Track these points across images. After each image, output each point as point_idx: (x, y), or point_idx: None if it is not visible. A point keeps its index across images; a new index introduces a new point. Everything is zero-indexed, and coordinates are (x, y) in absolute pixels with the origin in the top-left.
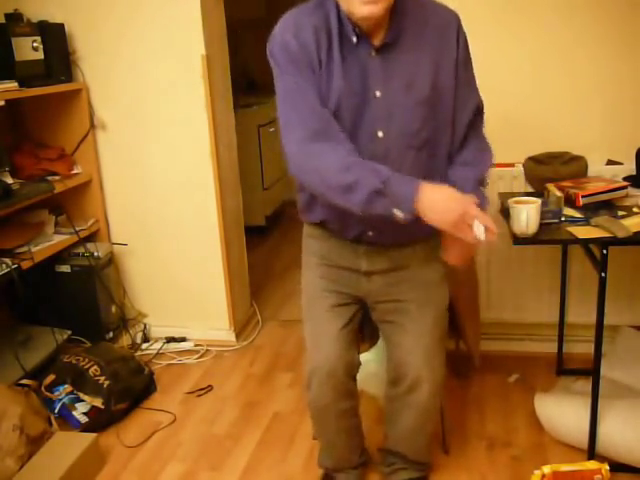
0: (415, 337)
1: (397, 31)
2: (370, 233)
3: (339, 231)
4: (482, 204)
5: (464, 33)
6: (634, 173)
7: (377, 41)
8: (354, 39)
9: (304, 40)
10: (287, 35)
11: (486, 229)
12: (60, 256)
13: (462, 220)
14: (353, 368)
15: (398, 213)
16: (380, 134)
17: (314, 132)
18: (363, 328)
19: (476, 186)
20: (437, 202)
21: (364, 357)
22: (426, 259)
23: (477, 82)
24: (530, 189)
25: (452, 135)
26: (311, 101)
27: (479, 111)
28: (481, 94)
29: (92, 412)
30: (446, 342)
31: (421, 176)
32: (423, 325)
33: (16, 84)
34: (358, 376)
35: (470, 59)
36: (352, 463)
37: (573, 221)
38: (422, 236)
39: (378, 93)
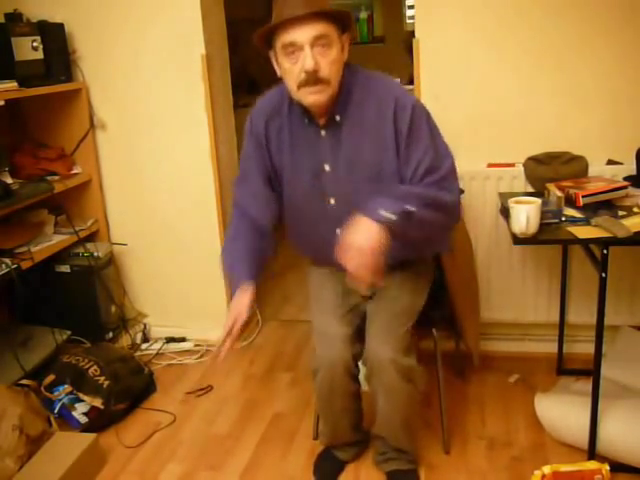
0: (381, 321)
1: (342, 111)
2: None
3: (321, 259)
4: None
5: (405, 120)
6: (634, 173)
7: (323, 121)
8: (306, 120)
9: (257, 122)
10: (252, 114)
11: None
12: (60, 256)
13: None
14: (358, 353)
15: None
16: (332, 201)
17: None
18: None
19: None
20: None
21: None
22: (407, 264)
23: (477, 83)
24: (530, 189)
25: None
26: (254, 179)
27: (429, 171)
28: (482, 94)
29: (92, 412)
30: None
31: None
32: (391, 310)
33: (16, 84)
34: (359, 377)
35: (418, 127)
36: (350, 440)
37: (573, 221)
38: (399, 262)
39: (327, 167)
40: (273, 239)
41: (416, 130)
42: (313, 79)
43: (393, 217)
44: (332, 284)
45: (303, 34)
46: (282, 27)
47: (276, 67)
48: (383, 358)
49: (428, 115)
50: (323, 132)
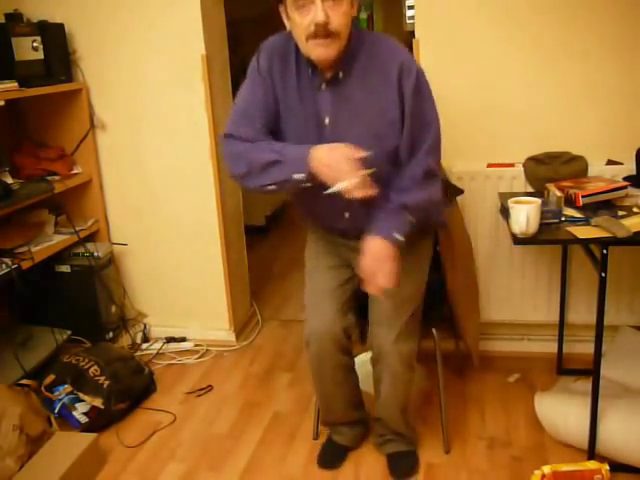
0: (385, 308)
1: (346, 69)
2: (347, 219)
3: (321, 228)
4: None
5: (409, 83)
6: (634, 173)
7: (328, 75)
8: (309, 71)
9: (263, 63)
10: (259, 54)
11: (355, 184)
12: (60, 256)
13: (338, 176)
14: (349, 327)
15: (297, 176)
16: None
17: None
18: (363, 330)
19: (398, 212)
20: (322, 158)
21: (364, 357)
22: (406, 249)
23: (477, 84)
24: (530, 189)
25: (397, 167)
26: (251, 107)
27: (429, 150)
28: (482, 94)
29: (92, 412)
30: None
31: (366, 200)
32: (394, 298)
33: (16, 84)
34: (358, 376)
35: (420, 108)
36: (348, 418)
37: (573, 221)
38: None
39: (327, 121)
40: None
41: (420, 101)
42: (323, 32)
43: (402, 238)
44: (326, 259)
45: None
46: None
47: (285, 21)
48: (387, 345)
49: (427, 83)
50: (323, 86)
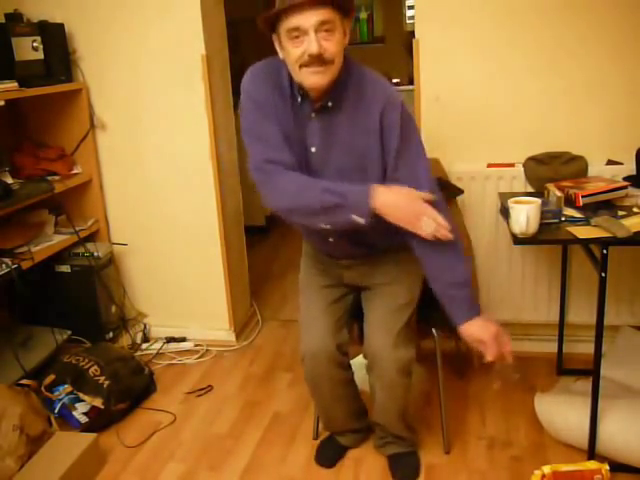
0: (380, 316)
1: (336, 98)
2: (333, 245)
3: (313, 247)
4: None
5: (395, 118)
6: (634, 173)
7: (317, 104)
8: (299, 99)
9: (261, 92)
10: (251, 86)
11: (437, 225)
12: (60, 256)
13: (413, 216)
14: (343, 344)
15: (357, 218)
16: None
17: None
18: (361, 331)
19: None
20: (389, 200)
21: (362, 359)
22: (400, 255)
23: (477, 84)
24: (530, 189)
25: None
26: (271, 132)
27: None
28: (482, 94)
29: (92, 412)
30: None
31: (347, 228)
32: (389, 306)
33: (16, 84)
34: (357, 377)
35: (408, 141)
36: (350, 427)
37: (573, 221)
38: (387, 249)
39: (313, 149)
40: None
41: (407, 133)
42: (317, 61)
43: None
44: (317, 278)
45: (308, 19)
46: (287, 13)
47: (279, 50)
48: (381, 353)
49: (412, 118)
50: (313, 115)
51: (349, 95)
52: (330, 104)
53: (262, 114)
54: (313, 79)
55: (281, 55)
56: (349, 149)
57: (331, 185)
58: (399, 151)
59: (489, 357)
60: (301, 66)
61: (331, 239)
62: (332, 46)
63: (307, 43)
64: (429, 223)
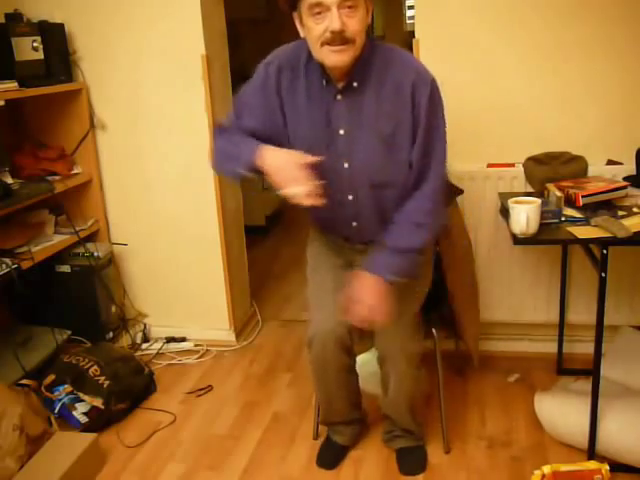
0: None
1: (360, 78)
2: (354, 223)
3: (327, 233)
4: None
5: (424, 93)
6: (634, 173)
7: (341, 85)
8: (323, 82)
9: (271, 74)
10: (266, 65)
11: (304, 192)
12: (60, 256)
13: (289, 180)
14: (352, 326)
15: (243, 173)
16: (346, 165)
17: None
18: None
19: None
20: (273, 161)
21: (364, 357)
22: None
23: (477, 84)
24: (530, 189)
25: (405, 180)
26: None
27: (433, 178)
28: (481, 94)
29: (92, 412)
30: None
31: (375, 210)
32: (399, 296)
33: (16, 84)
34: (360, 375)
35: (434, 119)
36: (347, 417)
37: (573, 221)
38: None
39: (342, 131)
40: None
41: (434, 111)
42: (339, 38)
43: (398, 278)
44: (329, 258)
45: None
46: None
47: (299, 28)
48: (393, 347)
49: (441, 100)
50: (339, 96)
51: (375, 73)
52: (355, 84)
53: (260, 98)
54: (334, 58)
55: (302, 34)
56: (378, 128)
57: (238, 139)
58: (422, 130)
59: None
60: (322, 44)
61: (355, 223)
62: (354, 23)
63: (329, 20)
64: (299, 190)
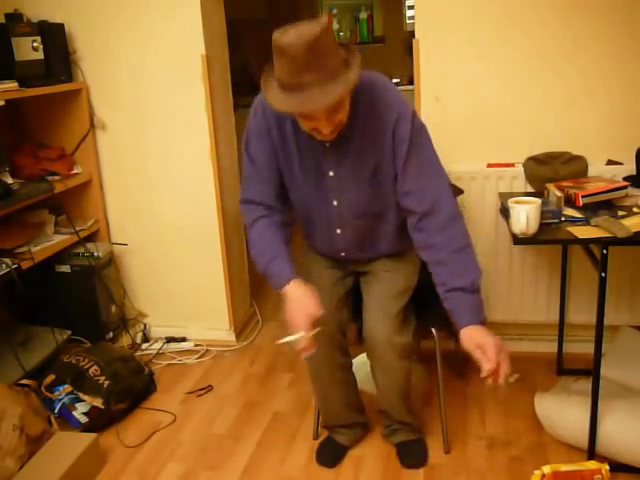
0: (379, 302)
1: (349, 129)
2: (343, 254)
3: (320, 250)
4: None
5: (406, 127)
6: (634, 173)
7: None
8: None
9: (266, 119)
10: (259, 107)
11: (301, 342)
12: (60, 256)
13: (292, 322)
14: (342, 322)
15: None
16: (335, 203)
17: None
18: (360, 332)
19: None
20: (290, 298)
21: (363, 357)
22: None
23: (477, 84)
24: (530, 189)
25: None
26: (261, 176)
27: (438, 198)
28: (481, 94)
29: (92, 412)
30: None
31: (367, 239)
32: (388, 292)
33: (16, 84)
34: (358, 377)
35: (415, 149)
36: (348, 420)
37: (573, 221)
38: (391, 252)
39: (331, 173)
40: (291, 220)
41: (418, 135)
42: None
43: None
44: (320, 264)
45: (319, 112)
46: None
47: None
48: (379, 338)
49: (425, 128)
50: (328, 144)
51: (361, 118)
52: (343, 137)
53: (261, 142)
54: (324, 138)
55: None
56: (364, 168)
57: (269, 265)
58: (406, 164)
59: (486, 366)
60: (312, 131)
61: (342, 254)
62: (342, 114)
63: (318, 124)
64: (294, 339)
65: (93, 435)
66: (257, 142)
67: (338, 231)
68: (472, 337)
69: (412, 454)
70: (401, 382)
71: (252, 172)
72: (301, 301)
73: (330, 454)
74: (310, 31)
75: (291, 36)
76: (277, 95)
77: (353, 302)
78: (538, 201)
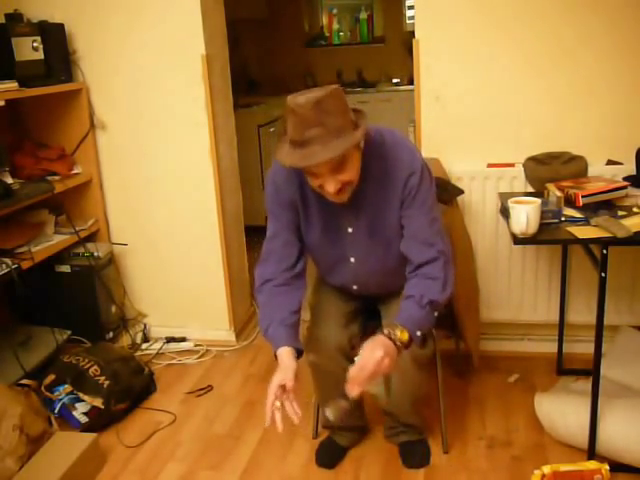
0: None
1: (363, 187)
2: (355, 287)
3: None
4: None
5: (415, 181)
6: (634, 173)
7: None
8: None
9: (284, 186)
10: (277, 178)
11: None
12: (60, 256)
13: (270, 390)
14: (352, 337)
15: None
16: (352, 260)
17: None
18: (364, 331)
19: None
20: (280, 365)
21: None
22: None
23: (477, 83)
24: (530, 189)
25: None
26: (282, 247)
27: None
28: (482, 94)
29: (92, 412)
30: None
31: (382, 288)
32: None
33: (16, 84)
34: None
35: (420, 202)
36: (348, 423)
37: (573, 221)
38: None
39: (350, 229)
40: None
41: (427, 189)
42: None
43: (407, 339)
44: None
45: (323, 168)
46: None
47: None
48: (405, 353)
49: (430, 180)
50: (346, 203)
51: (374, 175)
52: (358, 194)
53: (279, 208)
54: (335, 199)
55: None
56: (380, 222)
57: (268, 329)
58: (409, 211)
59: (351, 371)
60: (321, 190)
61: (352, 259)
62: (349, 174)
63: (322, 180)
64: (271, 409)
65: (93, 435)
66: (280, 207)
67: (355, 287)
68: (375, 341)
69: (414, 454)
70: (417, 390)
71: (276, 230)
72: (279, 370)
73: (330, 454)
74: (318, 93)
75: (302, 98)
76: (285, 151)
77: (363, 317)
78: (538, 201)
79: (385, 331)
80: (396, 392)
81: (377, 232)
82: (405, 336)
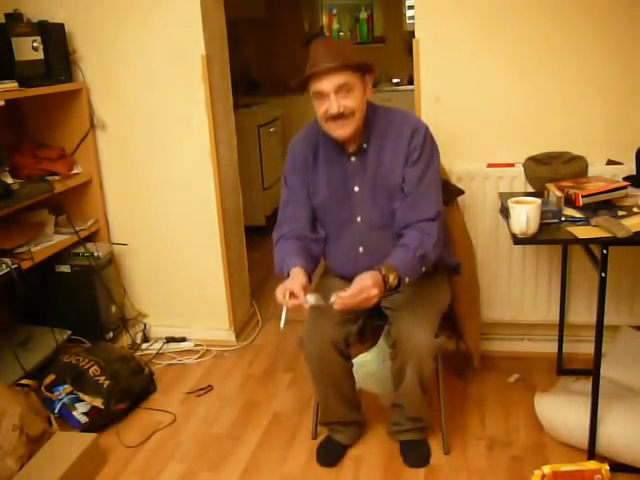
0: (410, 309)
1: (368, 140)
2: (360, 249)
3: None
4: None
5: (420, 136)
6: (634, 173)
7: (351, 148)
8: (339, 148)
9: (298, 152)
10: (294, 145)
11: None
12: (60, 256)
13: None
14: (349, 335)
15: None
16: (359, 219)
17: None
18: (364, 331)
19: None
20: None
21: (364, 357)
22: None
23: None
24: (530, 189)
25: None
26: (297, 198)
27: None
28: (482, 94)
29: (92, 412)
30: (445, 339)
31: (382, 248)
32: (419, 301)
33: (16, 84)
34: (357, 376)
35: (425, 161)
36: (346, 418)
37: (573, 221)
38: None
39: (356, 188)
40: (321, 243)
41: (430, 149)
42: (338, 117)
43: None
44: (336, 282)
45: (328, 84)
46: (312, 77)
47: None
48: (419, 342)
49: (434, 144)
50: (353, 158)
51: (379, 132)
52: (365, 146)
53: (296, 175)
54: (337, 132)
55: (315, 106)
56: (384, 180)
57: (284, 262)
58: (412, 172)
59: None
60: (326, 120)
61: (361, 248)
62: (350, 102)
63: (328, 103)
64: (283, 317)
65: (93, 435)
66: (294, 173)
67: (360, 249)
68: (370, 274)
69: (415, 453)
70: (428, 380)
71: (289, 197)
72: (288, 279)
73: (330, 454)
74: (332, 39)
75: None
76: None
77: (363, 320)
78: (538, 201)
79: (383, 270)
80: (409, 383)
81: (381, 189)
82: (395, 281)
